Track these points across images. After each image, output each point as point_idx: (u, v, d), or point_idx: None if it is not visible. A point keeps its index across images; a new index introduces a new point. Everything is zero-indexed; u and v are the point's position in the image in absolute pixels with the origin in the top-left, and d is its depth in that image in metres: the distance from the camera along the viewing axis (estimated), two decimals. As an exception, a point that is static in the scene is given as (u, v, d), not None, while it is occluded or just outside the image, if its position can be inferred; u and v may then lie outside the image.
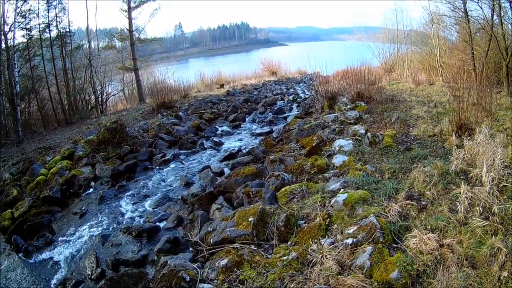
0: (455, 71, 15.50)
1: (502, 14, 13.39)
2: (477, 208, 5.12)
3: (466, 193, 5.38)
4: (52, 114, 21.21)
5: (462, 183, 5.83)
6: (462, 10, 15.36)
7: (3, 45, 18.25)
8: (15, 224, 8.72)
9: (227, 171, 10.25)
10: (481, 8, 14.37)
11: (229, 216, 6.47)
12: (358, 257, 4.71)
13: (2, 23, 18.19)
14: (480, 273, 4.19)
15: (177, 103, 20.43)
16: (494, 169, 5.97)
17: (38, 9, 20.74)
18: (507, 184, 5.79)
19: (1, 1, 18.10)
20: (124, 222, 8.40)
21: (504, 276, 4.04)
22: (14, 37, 19.27)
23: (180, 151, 12.61)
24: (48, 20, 21.19)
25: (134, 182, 10.54)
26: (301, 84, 31.33)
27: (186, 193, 8.93)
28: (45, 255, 7.66)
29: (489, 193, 5.40)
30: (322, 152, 9.55)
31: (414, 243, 4.72)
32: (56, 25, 21.64)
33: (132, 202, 9.31)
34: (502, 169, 6.13)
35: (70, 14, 23.08)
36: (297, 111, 18.25)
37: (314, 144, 9.95)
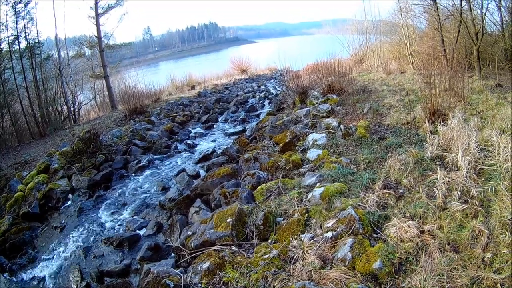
0: (425, 59, 15.70)
1: (471, 0, 13.57)
2: (455, 192, 5.17)
3: (443, 178, 5.42)
4: (26, 128, 20.81)
5: (438, 168, 5.88)
6: (431, -3, 15.54)
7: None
8: (-3, 243, 8.59)
9: (202, 173, 10.22)
10: (450, -6, 14.60)
11: (207, 218, 6.42)
12: (339, 250, 4.72)
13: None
14: (463, 256, 4.22)
15: (149, 108, 20.33)
16: (470, 153, 6.06)
17: (7, 21, 20.50)
18: (484, 167, 5.87)
19: None
20: (104, 232, 8.32)
21: (488, 257, 4.09)
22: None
23: (155, 156, 12.52)
24: (17, 32, 20.93)
25: (111, 191, 10.42)
26: (272, 81, 31.50)
27: (163, 199, 8.88)
28: (29, 272, 7.55)
29: (466, 177, 5.47)
30: (296, 148, 9.61)
31: (394, 232, 4.74)
32: (25, 36, 21.40)
33: (110, 211, 9.21)
34: (478, 152, 6.24)
35: (38, 24, 22.69)
36: (269, 107, 18.34)
37: (287, 140, 9.98)
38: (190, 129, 16.06)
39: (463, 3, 13.85)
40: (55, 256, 7.85)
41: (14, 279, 7.43)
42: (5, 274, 7.57)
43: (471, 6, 13.69)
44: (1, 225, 9.30)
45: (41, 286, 7.15)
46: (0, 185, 11.69)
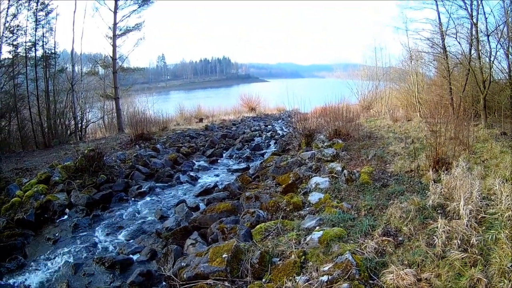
0: (432, 107, 15.75)
1: (480, 48, 13.79)
2: (455, 241, 5.10)
3: (444, 227, 5.37)
4: (32, 136, 20.89)
5: (439, 217, 5.84)
6: (441, 46, 15.79)
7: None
8: (-12, 244, 8.51)
9: (202, 206, 10.19)
10: (459, 43, 14.93)
11: (203, 251, 6.32)
12: (334, 294, 4.61)
13: (-10, 36, 18.06)
14: (460, 304, 4.15)
15: (155, 135, 20.46)
16: (472, 202, 6.02)
17: (26, 26, 20.73)
18: (485, 215, 5.83)
19: None
20: (97, 252, 8.21)
21: (484, 306, 4.01)
22: (0, 52, 19.36)
23: (156, 184, 12.53)
24: (35, 39, 21.13)
25: (109, 212, 10.38)
26: (279, 121, 31.74)
27: (160, 227, 8.78)
28: (16, 278, 7.39)
29: (467, 226, 5.41)
30: (298, 190, 9.56)
31: (391, 279, 4.65)
32: (42, 45, 21.57)
33: (106, 232, 9.14)
34: (480, 201, 6.19)
35: (56, 36, 23.02)
36: (275, 148, 18.42)
37: (290, 182, 9.98)
38: (194, 161, 16.08)
39: (472, 51, 14.01)
40: (44, 267, 7.74)
41: (0, 282, 7.32)
42: (-9, 274, 7.48)
43: (480, 54, 13.85)
44: (-7, 227, 9.25)
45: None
46: (-2, 187, 11.66)
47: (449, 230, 5.36)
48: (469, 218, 5.61)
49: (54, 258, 8.06)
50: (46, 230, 9.56)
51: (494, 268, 4.46)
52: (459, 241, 5.10)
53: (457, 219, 5.76)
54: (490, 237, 5.05)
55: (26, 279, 7.34)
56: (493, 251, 4.79)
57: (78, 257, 8.01)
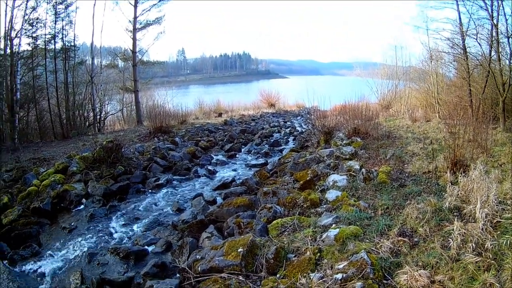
0: (452, 108, 15.59)
1: (500, 50, 13.58)
2: (470, 244, 5.05)
3: (459, 230, 5.31)
4: (50, 126, 21.21)
5: (456, 219, 5.77)
6: (461, 46, 15.55)
7: (8, 50, 18.50)
8: (2, 231, 8.66)
9: (219, 200, 10.24)
10: (480, 44, 14.65)
11: (218, 245, 6.35)
12: (347, 292, 4.61)
13: (9, 28, 18.41)
14: (472, 308, 4.13)
15: (174, 129, 20.54)
16: (488, 205, 5.95)
17: (46, 19, 21.08)
18: (501, 220, 5.76)
19: (8, 6, 18.39)
20: (112, 242, 8.28)
21: (496, 311, 3.99)
22: (19, 44, 19.51)
23: (174, 177, 12.59)
24: (55, 32, 21.51)
25: (125, 203, 10.47)
26: (299, 118, 31.57)
27: (177, 219, 8.81)
28: (30, 265, 7.51)
29: (482, 229, 5.35)
30: (316, 187, 9.49)
31: (404, 280, 4.64)
32: (62, 38, 21.96)
33: (122, 223, 9.23)
34: (496, 205, 6.11)
35: (76, 28, 23.29)
36: (293, 144, 18.30)
37: (308, 178, 9.88)
38: (212, 155, 16.12)
39: (492, 53, 13.84)
40: (58, 255, 7.86)
41: (14, 269, 7.40)
42: (5, 262, 7.54)
43: (500, 56, 13.66)
44: (9, 214, 9.40)
45: (39, 280, 7.11)
46: (16, 176, 11.86)
47: (464, 233, 5.31)
48: (485, 222, 5.54)
49: (69, 246, 8.19)
50: (61, 219, 9.69)
51: (507, 273, 4.42)
52: (473, 245, 5.05)
53: (473, 222, 5.71)
54: (504, 242, 4.99)
55: (40, 267, 7.45)
56: (507, 256, 4.74)
57: (92, 246, 8.11)
